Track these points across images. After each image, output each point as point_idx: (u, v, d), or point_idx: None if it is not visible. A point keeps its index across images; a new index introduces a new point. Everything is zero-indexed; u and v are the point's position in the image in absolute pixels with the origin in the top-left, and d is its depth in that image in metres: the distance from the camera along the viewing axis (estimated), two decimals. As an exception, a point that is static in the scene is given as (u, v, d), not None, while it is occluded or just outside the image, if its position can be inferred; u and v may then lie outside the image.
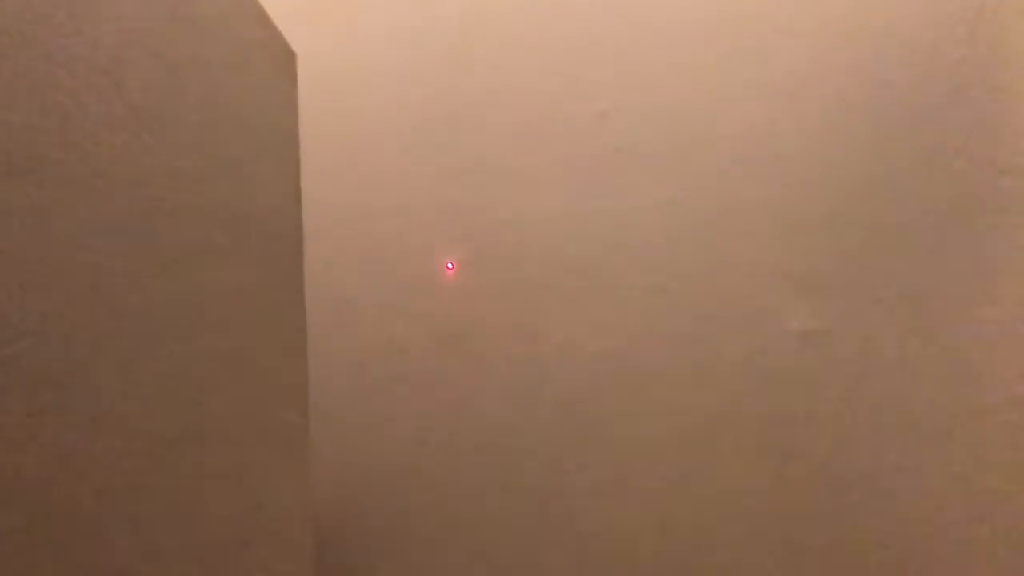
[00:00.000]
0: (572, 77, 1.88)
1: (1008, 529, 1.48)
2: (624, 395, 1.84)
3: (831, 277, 1.64)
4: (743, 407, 1.72)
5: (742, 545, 1.72)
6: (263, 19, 1.24)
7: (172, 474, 1.05)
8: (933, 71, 1.55)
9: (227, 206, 1.12)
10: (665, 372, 1.80)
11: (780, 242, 1.68)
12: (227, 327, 1.13)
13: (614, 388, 1.85)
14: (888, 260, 1.59)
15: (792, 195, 1.67)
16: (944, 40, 1.57)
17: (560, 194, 1.89)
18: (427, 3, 2.05)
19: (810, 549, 1.66)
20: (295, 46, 1.34)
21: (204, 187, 1.08)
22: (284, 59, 1.29)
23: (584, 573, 1.88)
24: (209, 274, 1.09)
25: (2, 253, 0.81)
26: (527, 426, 1.95)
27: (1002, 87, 1.50)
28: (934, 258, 1.55)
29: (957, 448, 1.53)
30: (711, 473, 1.75)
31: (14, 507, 0.83)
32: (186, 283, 1.06)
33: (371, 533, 2.14)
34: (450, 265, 1.89)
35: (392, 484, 2.11)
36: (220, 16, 1.13)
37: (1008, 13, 1.53)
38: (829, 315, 1.64)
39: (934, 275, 1.55)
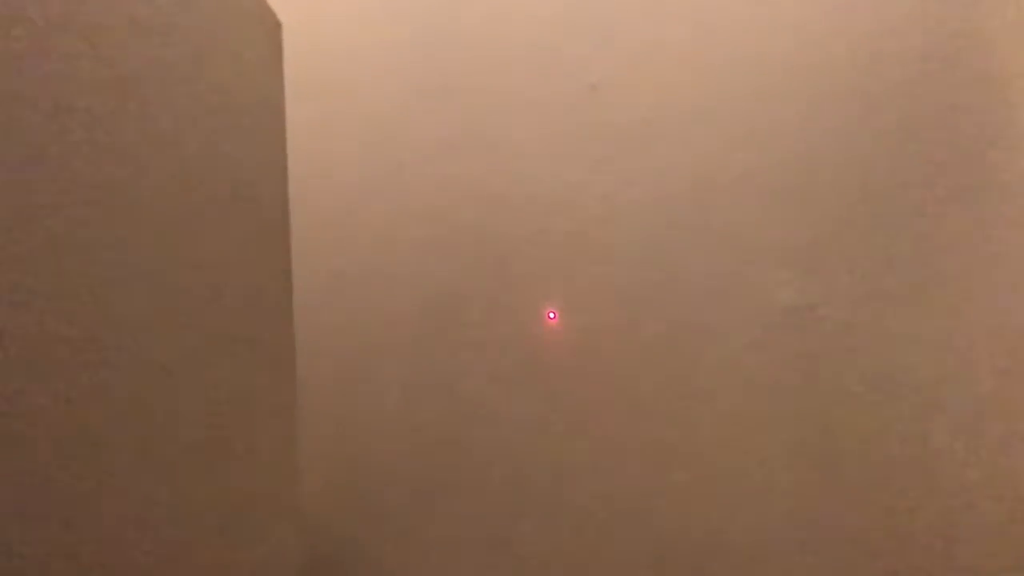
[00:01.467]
0: (562, 50, 1.87)
1: (995, 498, 1.49)
2: (613, 368, 1.84)
3: (818, 252, 1.64)
4: (729, 381, 1.73)
5: (727, 516, 1.74)
6: (248, -12, 1.22)
7: (160, 442, 1.05)
8: (920, 47, 1.55)
9: (211, 176, 1.11)
10: (652, 345, 1.80)
11: (768, 216, 1.68)
12: (211, 297, 1.13)
13: (603, 361, 1.85)
14: (875, 235, 1.60)
15: (780, 170, 1.67)
16: (931, 16, 1.56)
17: (549, 167, 1.89)
18: (415, -26, 2.03)
19: (795, 521, 1.68)
20: (281, 16, 1.32)
21: (187, 157, 1.07)
22: (270, 29, 1.28)
23: (573, 546, 1.90)
24: (193, 243, 1.09)
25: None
26: (515, 399, 1.95)
27: (989, 62, 1.49)
28: (920, 232, 1.56)
29: (943, 420, 1.54)
30: (696, 445, 1.76)
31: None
32: (168, 253, 1.06)
33: (357, 502, 2.14)
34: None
35: (378, 456, 2.12)
36: (204, -16, 1.12)
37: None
38: (815, 289, 1.64)
39: (920, 249, 1.56)
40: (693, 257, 1.75)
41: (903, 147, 1.56)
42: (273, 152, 1.24)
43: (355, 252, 2.14)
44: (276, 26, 1.29)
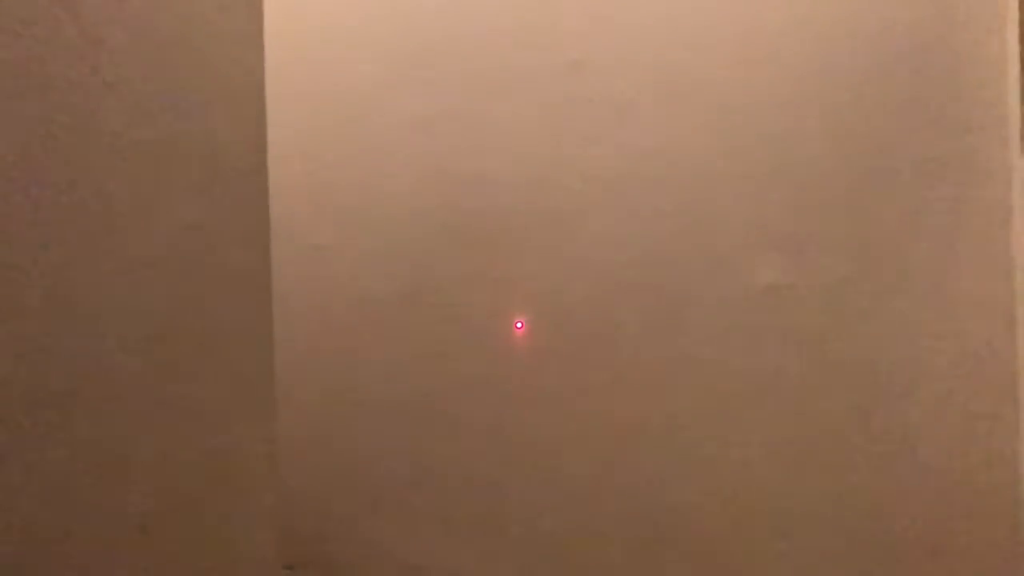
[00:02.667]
0: (545, 26, 1.86)
1: (970, 476, 1.51)
2: (595, 345, 1.85)
3: (799, 232, 1.65)
4: (709, 358, 1.74)
5: (706, 491, 1.75)
6: (227, -45, 1.21)
7: (135, 413, 1.05)
8: (902, 31, 1.55)
9: (188, 143, 1.10)
10: (634, 323, 1.81)
11: (749, 196, 1.69)
12: (188, 270, 1.12)
13: (585, 338, 1.86)
14: (855, 216, 1.60)
15: (762, 150, 1.67)
16: (914, 2, 1.57)
17: (531, 144, 1.88)
18: (399, -52, 2.02)
19: (772, 497, 1.69)
20: (261, -14, 1.31)
21: (163, 123, 1.06)
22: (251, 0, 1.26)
23: (557, 518, 1.91)
24: (169, 214, 1.08)
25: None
26: (498, 375, 1.95)
27: (969, 46, 1.50)
28: (901, 214, 1.57)
29: (920, 399, 1.56)
30: (676, 421, 1.77)
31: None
32: (144, 223, 1.05)
33: (335, 476, 2.15)
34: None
35: (358, 430, 2.12)
36: (182, -50, 1.10)
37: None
38: (796, 269, 1.65)
39: (899, 231, 1.57)
40: (674, 235, 1.76)
41: (884, 130, 1.57)
42: (252, 125, 1.23)
43: (334, 227, 2.14)
44: (256, -4, 1.27)
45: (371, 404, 2.11)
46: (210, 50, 1.12)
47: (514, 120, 1.90)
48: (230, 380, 1.19)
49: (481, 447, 1.99)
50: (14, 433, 0.90)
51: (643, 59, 1.76)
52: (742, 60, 1.68)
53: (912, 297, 1.57)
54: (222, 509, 1.18)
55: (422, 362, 2.04)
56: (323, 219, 2.15)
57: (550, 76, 1.86)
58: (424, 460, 2.05)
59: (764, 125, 1.67)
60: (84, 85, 0.96)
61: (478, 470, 1.99)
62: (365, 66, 2.09)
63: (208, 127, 1.15)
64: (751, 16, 1.66)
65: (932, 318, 1.55)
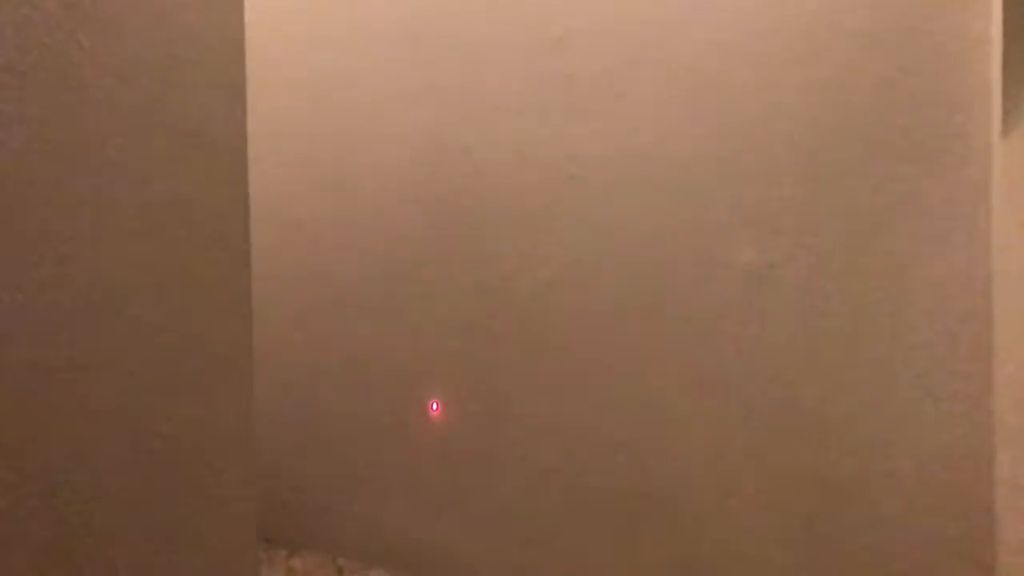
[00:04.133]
0: (528, 2, 1.85)
1: (946, 451, 1.53)
2: (575, 324, 1.85)
3: (780, 212, 1.65)
4: (689, 338, 1.74)
5: (690, 470, 1.77)
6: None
7: (113, 386, 1.04)
8: (884, 11, 1.55)
9: (165, 114, 1.08)
10: (615, 302, 1.81)
11: (731, 175, 1.69)
12: (169, 241, 1.11)
13: (564, 317, 1.86)
14: (836, 196, 1.61)
15: (744, 128, 1.67)
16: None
17: (513, 120, 1.88)
18: (383, -81, 1.99)
19: (752, 477, 1.71)
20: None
21: (142, 92, 1.05)
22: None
23: (536, 492, 1.92)
24: (146, 179, 1.07)
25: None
26: (475, 353, 1.96)
27: (952, 27, 1.50)
28: (881, 194, 1.57)
29: (899, 378, 1.57)
30: (655, 400, 1.78)
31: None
32: (119, 189, 1.04)
33: (313, 451, 2.15)
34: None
35: (336, 405, 2.12)
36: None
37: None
38: (776, 249, 1.66)
39: (881, 210, 1.58)
40: (656, 213, 1.76)
41: (866, 110, 1.57)
42: (232, 99, 1.21)
43: (314, 202, 2.12)
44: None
45: (351, 379, 2.11)
46: (190, 20, 1.10)
47: (497, 96, 1.89)
48: (207, 353, 1.19)
49: (460, 423, 1.99)
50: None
51: (626, 36, 1.76)
52: (725, 40, 1.68)
53: (891, 276, 1.58)
54: (199, 482, 1.18)
55: (403, 337, 2.04)
56: (303, 194, 2.13)
57: (534, 52, 1.84)
58: (403, 436, 2.06)
59: (746, 104, 1.67)
60: (62, 49, 0.94)
61: (457, 446, 1.99)
62: (348, 41, 2.07)
63: (187, 98, 1.13)
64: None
65: (911, 297, 1.56)
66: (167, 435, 1.12)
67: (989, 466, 1.50)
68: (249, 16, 1.26)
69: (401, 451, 2.06)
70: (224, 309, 1.20)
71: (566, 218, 1.84)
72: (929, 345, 1.55)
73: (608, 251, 1.81)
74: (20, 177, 0.91)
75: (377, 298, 2.05)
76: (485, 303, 1.94)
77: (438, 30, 1.95)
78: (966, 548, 1.53)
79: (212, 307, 1.18)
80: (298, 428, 2.15)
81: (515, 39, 1.86)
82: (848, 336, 1.61)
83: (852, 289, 1.60)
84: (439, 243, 1.98)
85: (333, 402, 2.13)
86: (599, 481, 1.85)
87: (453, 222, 1.96)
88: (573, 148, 1.82)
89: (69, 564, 1.00)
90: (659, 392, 1.78)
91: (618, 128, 1.78)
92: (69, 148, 0.96)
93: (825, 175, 1.62)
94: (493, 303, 1.92)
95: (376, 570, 2.03)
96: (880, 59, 1.56)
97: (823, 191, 1.62)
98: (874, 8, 1.56)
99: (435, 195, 1.97)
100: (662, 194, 1.75)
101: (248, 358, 1.23)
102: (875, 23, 1.56)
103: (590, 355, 1.84)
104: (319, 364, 2.14)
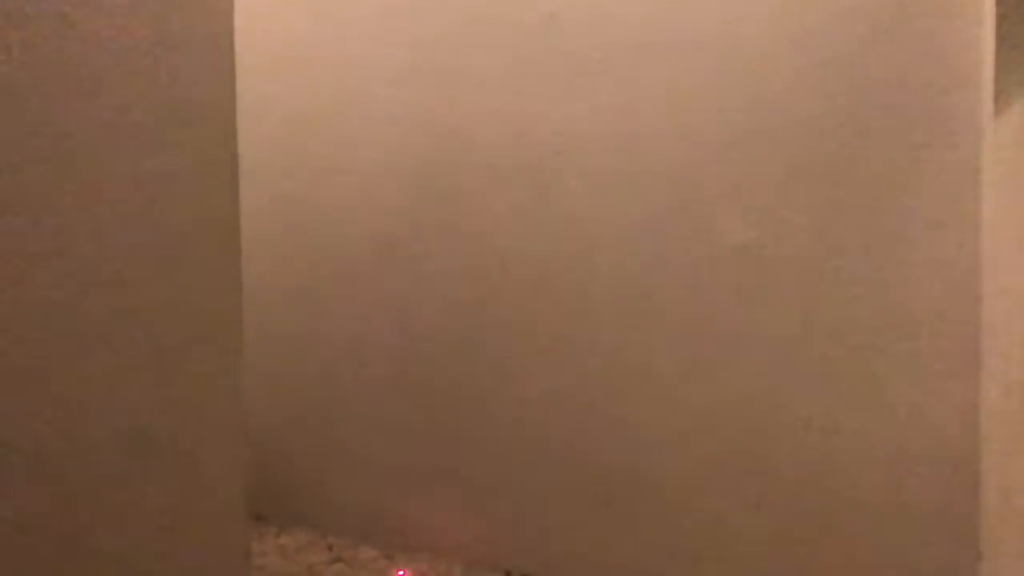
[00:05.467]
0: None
1: (933, 428, 1.54)
2: (564, 303, 1.85)
3: (768, 192, 1.65)
4: (679, 316, 1.74)
5: (679, 448, 1.77)
6: None
7: (101, 362, 1.04)
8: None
9: (154, 88, 1.07)
10: (604, 280, 1.81)
11: (720, 155, 1.69)
12: (158, 218, 1.11)
13: (554, 296, 1.86)
14: (825, 176, 1.61)
15: (735, 108, 1.67)
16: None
17: (506, 97, 1.86)
18: None
19: (741, 454, 1.72)
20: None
21: (130, 67, 1.04)
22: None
23: (523, 471, 1.93)
24: (134, 153, 1.06)
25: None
26: (468, 329, 1.95)
27: (942, 8, 1.49)
28: (871, 173, 1.57)
29: (887, 356, 1.58)
30: (647, 380, 1.79)
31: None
32: (107, 162, 1.03)
33: (303, 427, 2.15)
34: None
35: (326, 378, 2.12)
36: None
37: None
38: (764, 228, 1.66)
39: (871, 190, 1.58)
40: (648, 192, 1.76)
41: (857, 90, 1.57)
42: (221, 73, 1.20)
43: (304, 178, 2.11)
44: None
45: (342, 357, 2.10)
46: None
47: (489, 73, 1.88)
48: (197, 330, 1.18)
49: (450, 400, 1.99)
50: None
51: (618, 13, 1.74)
52: (717, 18, 1.67)
53: (881, 256, 1.58)
54: (189, 460, 1.18)
55: (392, 315, 2.04)
56: (294, 170, 2.12)
57: (525, 29, 1.83)
58: (395, 413, 2.06)
59: (737, 84, 1.66)
60: (50, 25, 0.93)
61: (448, 423, 2.00)
62: (339, 17, 2.04)
63: (176, 73, 1.12)
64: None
65: (900, 276, 1.56)
66: (155, 412, 1.11)
67: (974, 439, 1.51)
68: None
69: (392, 429, 2.06)
70: (214, 286, 1.19)
71: (557, 196, 1.84)
72: (919, 324, 1.55)
73: (598, 229, 1.81)
74: (10, 151, 0.90)
75: (368, 276, 2.05)
76: (475, 280, 1.93)
77: (428, 6, 1.93)
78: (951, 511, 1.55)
79: (202, 284, 1.18)
80: (289, 406, 2.15)
81: (506, 16, 1.85)
82: (838, 316, 1.61)
83: (843, 269, 1.61)
84: (429, 220, 1.97)
85: (324, 380, 2.13)
86: (590, 457, 1.85)
87: (444, 200, 1.95)
88: (564, 126, 1.82)
89: (57, 540, 1.00)
90: (650, 370, 1.78)
91: (610, 107, 1.77)
92: (58, 128, 0.95)
93: (816, 156, 1.61)
94: (484, 280, 1.92)
95: (366, 548, 2.03)
96: (871, 40, 1.56)
97: (814, 171, 1.62)
98: (868, -13, 1.55)
99: (426, 173, 1.96)
100: (654, 173, 1.75)
101: (238, 335, 1.23)
102: (866, 4, 1.55)
103: (581, 333, 1.84)
104: (309, 341, 2.13)
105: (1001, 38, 1.34)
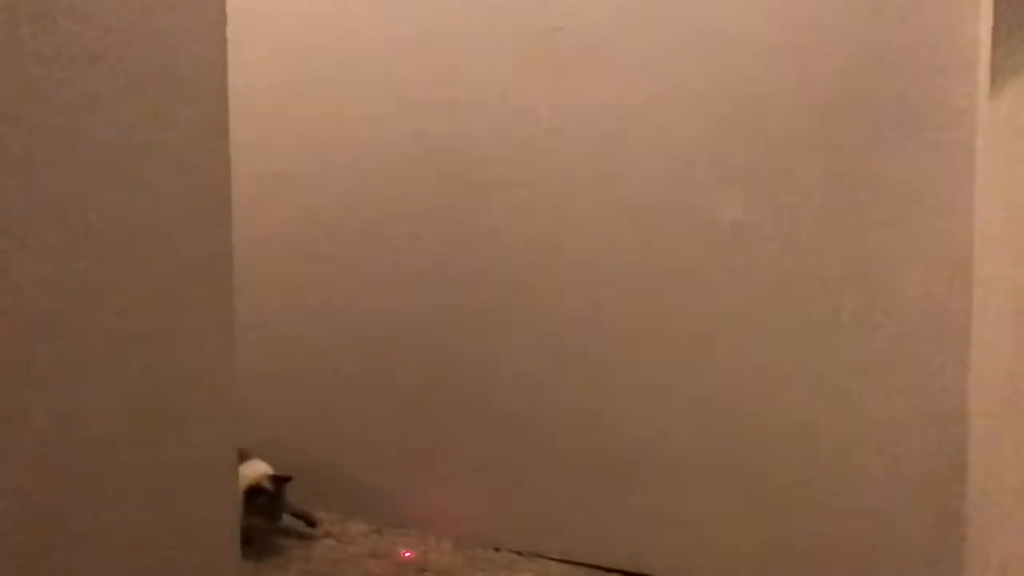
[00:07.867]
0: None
1: (926, 409, 1.55)
2: (559, 280, 1.85)
3: (765, 171, 1.65)
4: (673, 294, 1.75)
5: (675, 426, 1.78)
6: None
7: (93, 336, 1.03)
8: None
9: (146, 62, 1.06)
10: (597, 260, 1.81)
11: (717, 134, 1.68)
12: (149, 192, 1.10)
13: (549, 273, 1.86)
14: (821, 156, 1.61)
15: (730, 87, 1.66)
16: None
17: (502, 72, 1.85)
18: None
19: (736, 433, 1.73)
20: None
21: (121, 42, 1.02)
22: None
23: (517, 446, 1.93)
24: (124, 127, 1.05)
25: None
26: (463, 304, 1.95)
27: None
28: (867, 154, 1.57)
29: (877, 339, 1.59)
30: (636, 359, 1.79)
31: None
32: (97, 137, 1.02)
33: (290, 403, 2.15)
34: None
35: (316, 356, 2.11)
36: None
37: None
38: (761, 208, 1.66)
39: (866, 170, 1.58)
40: (641, 169, 1.75)
41: (853, 70, 1.57)
42: (212, 47, 1.19)
43: (296, 154, 2.09)
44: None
45: (333, 332, 2.10)
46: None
47: (486, 48, 1.86)
48: (189, 305, 1.18)
49: (440, 378, 1.99)
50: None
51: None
52: (715, 3, 1.66)
53: (874, 237, 1.58)
54: (180, 434, 1.18)
55: (383, 291, 2.03)
56: (286, 145, 2.10)
57: (521, 4, 1.82)
58: (385, 388, 2.05)
59: (732, 64, 1.66)
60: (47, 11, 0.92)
61: (438, 399, 2.00)
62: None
63: (167, 47, 1.11)
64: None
65: (893, 257, 1.57)
66: (147, 387, 1.11)
67: (962, 417, 1.53)
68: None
69: (382, 404, 2.06)
70: (205, 260, 1.19)
71: (551, 171, 1.83)
72: (910, 303, 1.56)
73: (593, 206, 1.80)
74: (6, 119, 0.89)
75: (361, 249, 2.04)
76: (469, 255, 1.93)
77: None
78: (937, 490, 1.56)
79: (192, 258, 1.17)
80: (280, 380, 2.14)
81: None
82: (830, 295, 1.62)
83: (835, 249, 1.61)
84: (423, 194, 1.96)
85: (315, 354, 2.12)
86: (579, 436, 1.86)
87: (437, 175, 1.94)
88: (559, 101, 1.81)
89: (49, 513, 1.00)
90: (640, 348, 1.79)
91: (604, 83, 1.76)
92: (51, 101, 0.94)
93: (810, 136, 1.61)
94: (477, 255, 1.92)
95: (355, 522, 2.04)
96: (865, 21, 1.56)
97: (807, 151, 1.62)
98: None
99: (420, 146, 1.95)
100: (647, 150, 1.74)
101: (229, 309, 1.22)
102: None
103: (572, 310, 1.84)
104: (301, 316, 2.13)
105: (997, 19, 1.34)
